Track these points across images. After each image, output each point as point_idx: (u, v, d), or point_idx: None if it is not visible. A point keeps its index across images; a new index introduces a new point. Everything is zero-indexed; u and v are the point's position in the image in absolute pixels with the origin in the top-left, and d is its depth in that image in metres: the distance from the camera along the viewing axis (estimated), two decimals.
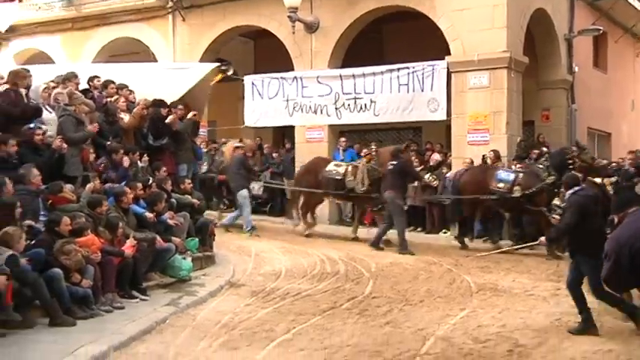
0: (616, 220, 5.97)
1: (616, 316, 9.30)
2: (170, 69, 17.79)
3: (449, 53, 18.42)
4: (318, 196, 17.62)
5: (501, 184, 15.31)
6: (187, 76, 16.27)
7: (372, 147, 18.89)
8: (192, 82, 15.95)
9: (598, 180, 14.69)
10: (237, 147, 17.76)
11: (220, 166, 18.93)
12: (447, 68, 18.31)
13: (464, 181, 16.22)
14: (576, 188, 8.91)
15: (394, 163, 15.32)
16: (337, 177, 16.72)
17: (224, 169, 18.52)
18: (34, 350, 7.42)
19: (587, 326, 8.57)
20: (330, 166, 16.93)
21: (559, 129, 21.01)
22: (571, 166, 14.05)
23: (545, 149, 17.79)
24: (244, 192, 16.91)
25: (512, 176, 15.46)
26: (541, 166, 15.66)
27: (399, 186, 15.26)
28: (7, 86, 11.41)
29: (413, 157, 17.69)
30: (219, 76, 17.81)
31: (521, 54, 18.89)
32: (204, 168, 18.63)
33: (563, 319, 9.11)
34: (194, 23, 22.34)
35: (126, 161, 12.13)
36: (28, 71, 12.42)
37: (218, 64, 17.76)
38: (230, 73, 18.92)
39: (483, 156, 17.20)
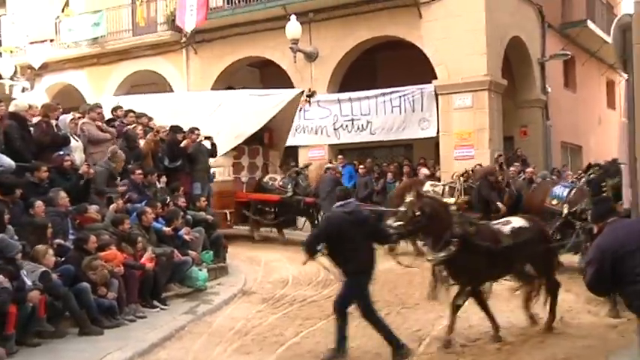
0: (595, 229, 5.89)
1: (595, 314, 9.31)
2: (255, 95, 17.32)
3: (435, 77, 18.54)
4: None
5: (555, 201, 13.34)
6: (272, 102, 15.98)
7: (368, 161, 18.92)
8: (277, 108, 15.75)
9: None
10: (327, 168, 16.94)
11: (307, 189, 17.08)
12: (435, 91, 18.45)
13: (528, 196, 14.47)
14: None
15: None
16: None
17: (311, 191, 16.87)
18: (66, 358, 7.47)
19: None
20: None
21: (536, 143, 21.18)
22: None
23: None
24: None
25: (566, 192, 13.21)
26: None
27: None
28: (39, 118, 11.40)
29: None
30: (304, 102, 17.61)
31: (500, 77, 19.11)
32: (289, 192, 16.44)
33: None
34: (205, 56, 22.34)
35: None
36: (58, 104, 12.64)
37: (302, 89, 17.39)
38: (314, 98, 18.71)
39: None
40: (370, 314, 7.53)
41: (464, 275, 8.17)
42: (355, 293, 7.48)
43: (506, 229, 8.61)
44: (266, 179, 16.53)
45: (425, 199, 8.19)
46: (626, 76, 24.96)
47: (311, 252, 7.81)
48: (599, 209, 5.84)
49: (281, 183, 16.23)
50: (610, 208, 5.72)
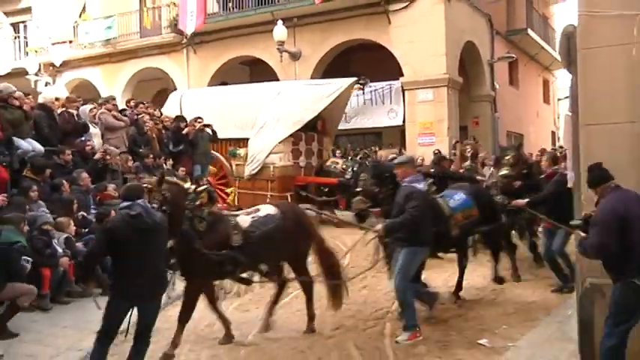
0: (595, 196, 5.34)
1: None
2: (312, 85, 16.39)
3: (402, 75, 18.68)
4: None
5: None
6: (328, 90, 15.11)
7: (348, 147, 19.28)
8: (332, 96, 14.94)
9: None
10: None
11: None
12: (402, 86, 18.60)
13: None
14: None
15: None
16: None
17: None
18: (92, 314, 7.37)
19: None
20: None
21: (486, 132, 21.36)
22: None
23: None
24: None
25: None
26: None
27: None
28: (62, 109, 11.39)
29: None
30: (355, 89, 16.72)
31: (457, 75, 19.25)
32: (348, 175, 14.36)
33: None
34: (203, 55, 22.25)
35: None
36: (79, 97, 12.65)
37: (355, 78, 16.02)
38: (366, 84, 17.15)
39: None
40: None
41: (188, 271, 6.65)
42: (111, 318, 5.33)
43: (247, 220, 6.91)
44: (329, 163, 15.62)
45: (169, 186, 6.22)
46: (557, 76, 25.16)
47: (87, 274, 6.32)
48: (595, 175, 5.35)
49: (343, 166, 15.22)
50: (605, 173, 5.28)
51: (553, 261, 8.60)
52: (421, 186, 7.03)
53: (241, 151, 14.87)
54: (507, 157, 9.60)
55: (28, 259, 7.12)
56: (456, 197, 8.11)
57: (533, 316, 7.59)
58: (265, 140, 14.56)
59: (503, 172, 9.42)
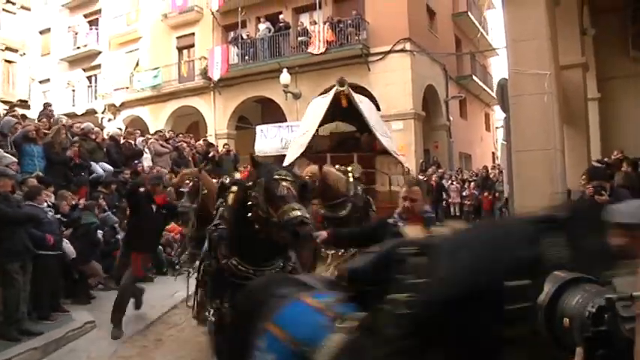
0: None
1: None
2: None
3: (379, 109, 18.71)
4: None
5: None
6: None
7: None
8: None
9: None
10: None
11: None
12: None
13: None
14: None
15: None
16: None
17: None
18: (156, 289, 7.83)
19: None
20: None
21: (443, 153, 21.35)
22: None
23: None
24: None
25: None
26: None
27: None
28: (124, 140, 11.69)
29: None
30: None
31: (421, 110, 19.40)
32: None
33: None
34: (226, 96, 22.32)
35: None
36: (136, 130, 12.94)
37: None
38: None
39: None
40: None
41: None
42: None
43: None
44: None
45: None
46: (495, 110, 25.11)
47: None
48: (594, 173, 5.17)
49: None
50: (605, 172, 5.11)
51: None
52: None
53: None
54: None
55: (101, 232, 7.85)
56: None
57: None
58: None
59: None
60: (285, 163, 12.44)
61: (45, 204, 6.81)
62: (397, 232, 3.27)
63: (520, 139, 6.30)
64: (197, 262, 5.22)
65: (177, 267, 7.18)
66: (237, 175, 4.83)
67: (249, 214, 3.42)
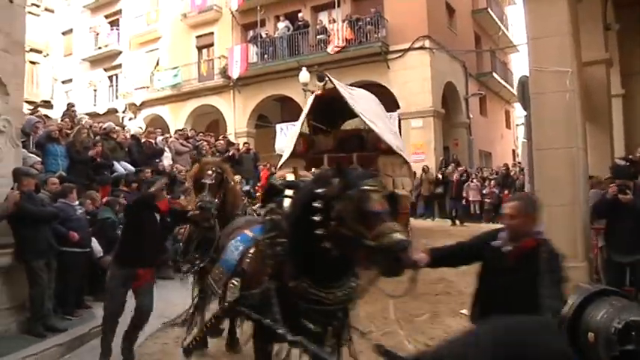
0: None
1: None
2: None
3: (399, 107, 18.80)
4: None
5: None
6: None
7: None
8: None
9: None
10: None
11: None
12: (398, 116, 18.72)
13: None
14: None
15: None
16: None
17: None
18: (171, 289, 7.79)
19: None
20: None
21: (463, 151, 21.19)
22: None
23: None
24: None
25: None
26: None
27: None
28: (145, 139, 11.80)
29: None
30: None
31: (440, 107, 19.28)
32: None
33: None
34: (245, 95, 22.41)
35: None
36: (156, 129, 12.97)
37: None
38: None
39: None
40: None
41: None
42: None
43: None
44: None
45: None
46: (515, 108, 24.95)
47: None
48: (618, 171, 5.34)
49: None
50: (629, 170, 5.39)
51: None
52: None
53: None
54: None
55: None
56: None
57: None
58: None
59: None
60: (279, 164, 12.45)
61: (76, 202, 6.96)
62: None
63: (541, 137, 6.22)
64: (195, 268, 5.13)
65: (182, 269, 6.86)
66: (290, 176, 4.08)
67: (322, 230, 2.88)
